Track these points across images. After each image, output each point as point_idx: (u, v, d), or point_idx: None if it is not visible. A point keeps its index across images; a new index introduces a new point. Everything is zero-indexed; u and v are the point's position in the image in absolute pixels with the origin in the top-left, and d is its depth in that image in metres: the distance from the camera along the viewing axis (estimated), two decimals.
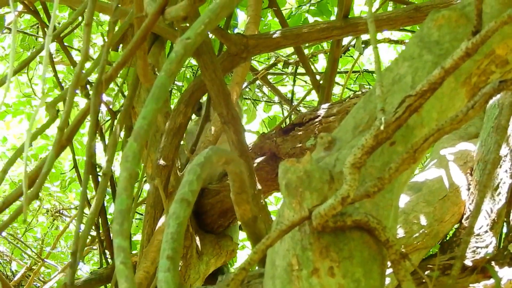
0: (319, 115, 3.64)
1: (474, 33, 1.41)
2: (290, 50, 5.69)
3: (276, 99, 6.53)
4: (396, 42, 6.14)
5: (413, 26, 4.76)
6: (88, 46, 1.97)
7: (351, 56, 6.08)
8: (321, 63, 6.21)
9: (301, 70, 5.59)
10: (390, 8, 5.03)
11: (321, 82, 4.67)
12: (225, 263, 4.08)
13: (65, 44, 4.73)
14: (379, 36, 5.57)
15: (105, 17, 5.94)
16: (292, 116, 5.32)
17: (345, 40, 5.08)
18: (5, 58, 6.96)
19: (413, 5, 3.70)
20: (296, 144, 3.64)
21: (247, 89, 6.08)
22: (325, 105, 3.74)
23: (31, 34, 6.13)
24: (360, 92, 3.85)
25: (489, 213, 3.09)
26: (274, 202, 7.19)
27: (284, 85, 6.67)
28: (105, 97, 3.77)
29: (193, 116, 4.13)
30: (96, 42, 6.80)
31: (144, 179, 4.07)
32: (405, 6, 3.85)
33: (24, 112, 7.57)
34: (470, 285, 2.98)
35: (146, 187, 4.08)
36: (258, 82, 6.01)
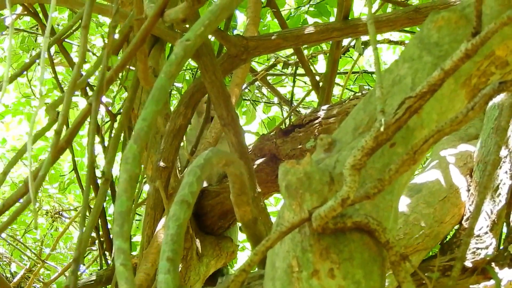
0: (319, 117, 3.64)
1: (474, 34, 1.41)
2: (289, 51, 5.69)
3: (275, 100, 6.54)
4: (396, 43, 6.14)
5: (412, 27, 4.76)
6: (85, 49, 1.97)
7: (351, 57, 6.08)
8: (320, 64, 6.21)
9: (300, 71, 5.59)
10: (389, 10, 5.03)
11: (320, 83, 4.67)
12: (225, 264, 4.08)
13: (66, 40, 4.74)
14: (379, 37, 5.57)
15: (104, 18, 5.95)
16: (292, 117, 5.32)
17: (345, 41, 5.08)
18: (5, 59, 6.96)
19: (413, 6, 3.71)
20: (296, 145, 3.64)
21: (247, 90, 6.08)
22: (325, 107, 3.74)
23: (31, 32, 6.13)
24: (360, 93, 3.85)
25: (489, 214, 3.09)
26: (274, 203, 7.19)
27: (284, 86, 6.67)
28: (104, 98, 3.77)
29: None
30: (95, 43, 6.80)
31: (144, 180, 4.07)
32: (404, 7, 3.86)
33: (24, 113, 7.57)
34: (470, 286, 2.98)
35: (146, 188, 4.08)
36: (257, 83, 6.01)
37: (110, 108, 4.08)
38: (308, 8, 5.36)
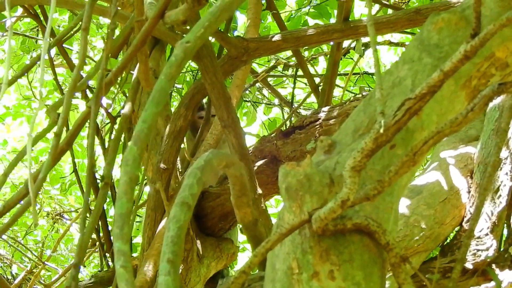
0: (320, 118, 3.64)
1: (473, 35, 1.41)
2: (290, 52, 5.70)
3: (276, 101, 6.54)
4: (397, 44, 6.14)
5: (413, 29, 4.76)
6: (85, 51, 1.97)
7: (351, 58, 6.08)
8: (321, 65, 6.21)
9: (301, 72, 5.59)
10: (390, 11, 5.03)
11: (320, 85, 4.68)
12: (225, 266, 4.08)
13: (66, 46, 4.74)
14: (379, 38, 5.58)
15: (105, 20, 5.95)
16: (293, 118, 5.33)
17: (345, 43, 5.09)
18: (5, 61, 6.96)
19: (413, 7, 3.71)
20: (297, 147, 3.64)
21: (247, 92, 6.09)
22: (326, 108, 3.74)
23: (31, 37, 6.14)
24: (360, 95, 3.85)
25: (490, 216, 3.09)
26: (275, 204, 7.20)
27: (284, 87, 6.68)
28: (105, 100, 3.77)
29: None
30: (96, 45, 6.81)
31: (144, 182, 4.07)
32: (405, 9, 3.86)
33: (24, 114, 7.58)
34: None
35: (147, 189, 4.09)
36: (258, 84, 6.01)
37: (110, 110, 4.08)
38: (309, 9, 5.36)
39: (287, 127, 3.93)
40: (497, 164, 3.09)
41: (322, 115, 3.65)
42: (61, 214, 7.45)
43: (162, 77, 1.48)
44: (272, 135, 3.90)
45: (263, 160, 3.83)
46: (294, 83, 5.70)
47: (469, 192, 3.25)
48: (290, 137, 3.70)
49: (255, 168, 3.75)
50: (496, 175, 3.12)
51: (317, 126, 3.61)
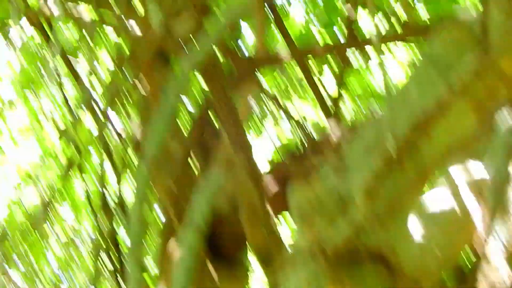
0: (330, 138, 3.63)
1: (482, 52, 1.40)
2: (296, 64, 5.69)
3: (283, 115, 6.53)
4: (404, 60, 6.13)
5: (420, 43, 4.75)
6: None
7: (360, 74, 6.07)
8: (329, 82, 6.20)
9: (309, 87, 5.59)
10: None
11: (329, 102, 4.67)
12: None
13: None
14: (387, 53, 5.57)
15: (110, 28, 5.95)
16: (302, 137, 5.31)
17: (353, 57, 5.09)
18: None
19: (421, 23, 3.71)
20: (307, 167, 3.62)
21: (255, 107, 6.09)
22: (335, 127, 3.73)
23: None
24: (369, 113, 3.85)
25: (503, 238, 3.06)
26: (285, 223, 7.17)
27: (293, 103, 6.67)
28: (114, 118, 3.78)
29: None
30: (100, 54, 6.80)
31: (156, 205, 4.07)
32: (410, 23, 3.85)
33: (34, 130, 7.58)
34: None
35: (159, 212, 4.08)
36: (266, 99, 6.01)
37: (120, 129, 4.09)
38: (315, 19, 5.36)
39: (298, 147, 3.92)
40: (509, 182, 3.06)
41: (332, 134, 3.65)
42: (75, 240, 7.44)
43: (169, 92, 1.48)
44: (283, 155, 3.89)
45: (274, 180, 3.82)
46: (303, 98, 5.70)
47: (480, 213, 3.22)
48: (301, 157, 3.69)
49: (266, 188, 3.74)
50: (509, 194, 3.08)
51: (327, 146, 3.60)
